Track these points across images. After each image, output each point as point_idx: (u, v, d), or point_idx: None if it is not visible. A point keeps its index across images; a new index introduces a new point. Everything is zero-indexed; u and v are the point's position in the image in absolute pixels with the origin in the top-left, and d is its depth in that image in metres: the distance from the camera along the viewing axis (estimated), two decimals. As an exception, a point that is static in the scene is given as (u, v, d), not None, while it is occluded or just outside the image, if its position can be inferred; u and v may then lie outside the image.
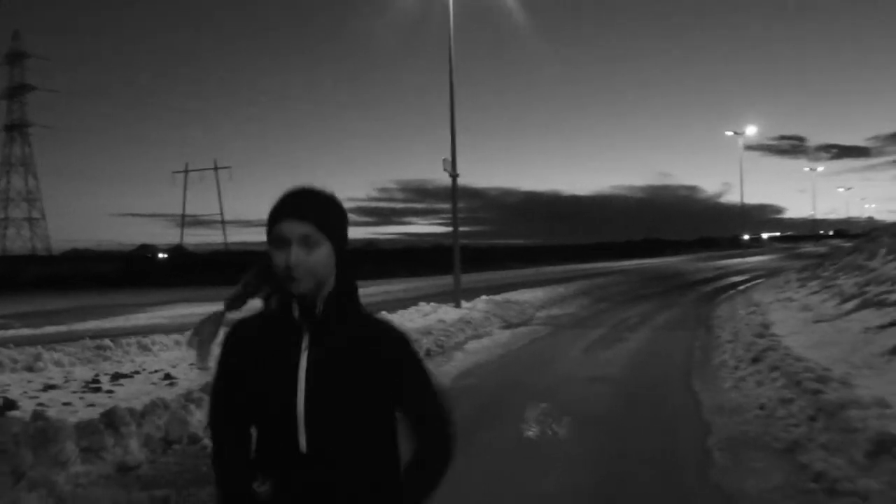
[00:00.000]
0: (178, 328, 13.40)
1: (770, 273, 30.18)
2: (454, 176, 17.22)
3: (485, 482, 4.99)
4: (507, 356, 10.96)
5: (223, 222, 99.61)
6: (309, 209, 1.63)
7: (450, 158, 17.17)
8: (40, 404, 6.86)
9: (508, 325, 14.78)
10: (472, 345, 12.11)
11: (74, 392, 7.70)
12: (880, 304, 10.83)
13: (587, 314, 17.23)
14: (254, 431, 1.74)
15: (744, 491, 4.73)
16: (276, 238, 1.61)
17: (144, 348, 10.47)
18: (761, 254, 68.83)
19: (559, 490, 4.92)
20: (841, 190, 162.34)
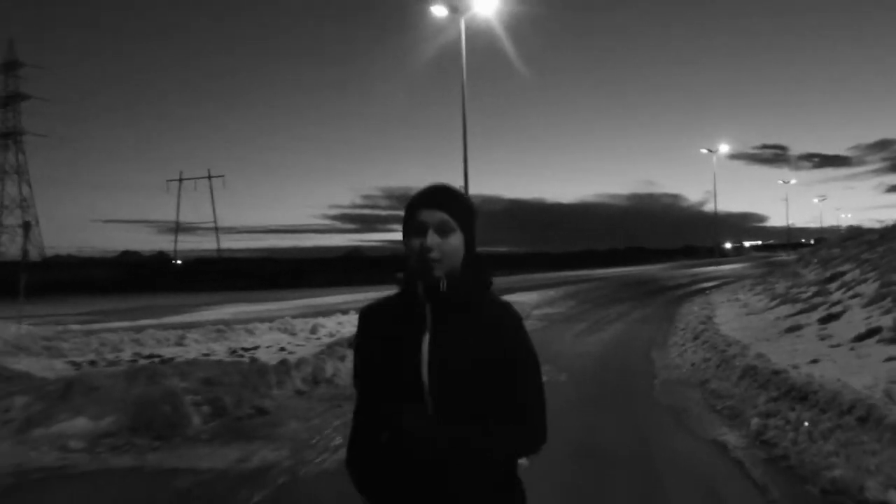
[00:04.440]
0: (245, 321, 16.69)
1: (737, 279, 33.48)
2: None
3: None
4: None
5: (216, 229, 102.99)
6: (444, 200, 1.80)
7: (461, 183, 20.68)
8: (217, 362, 10.22)
9: (511, 321, 18.16)
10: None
11: (227, 358, 11.04)
12: (794, 301, 14.45)
13: (574, 312, 20.71)
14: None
15: (672, 403, 8.20)
16: (415, 224, 1.78)
17: (250, 332, 13.81)
18: (737, 262, 72.09)
19: (562, 404, 8.35)
20: (815, 200, 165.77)
